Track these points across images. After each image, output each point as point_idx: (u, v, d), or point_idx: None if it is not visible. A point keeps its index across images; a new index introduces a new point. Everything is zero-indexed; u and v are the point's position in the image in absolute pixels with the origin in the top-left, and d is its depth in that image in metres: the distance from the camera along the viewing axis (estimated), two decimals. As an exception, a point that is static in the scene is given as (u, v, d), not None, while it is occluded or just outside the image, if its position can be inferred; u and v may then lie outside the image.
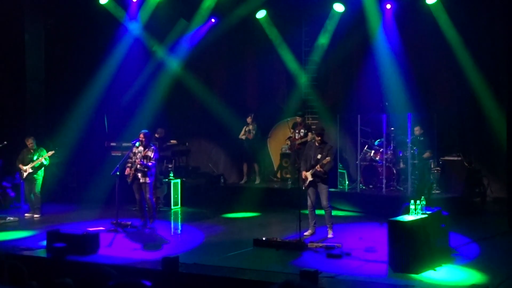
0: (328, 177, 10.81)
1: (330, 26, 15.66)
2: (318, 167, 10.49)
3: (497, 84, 13.96)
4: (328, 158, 10.48)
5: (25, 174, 13.18)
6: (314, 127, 16.03)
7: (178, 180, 14.96)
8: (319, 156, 10.56)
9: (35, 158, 13.20)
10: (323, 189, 10.69)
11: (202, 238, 11.15)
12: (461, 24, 14.30)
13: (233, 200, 14.65)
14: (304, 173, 10.68)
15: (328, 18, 15.63)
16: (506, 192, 12.60)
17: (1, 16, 15.78)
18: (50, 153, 13.31)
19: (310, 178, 10.61)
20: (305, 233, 10.69)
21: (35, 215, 13.21)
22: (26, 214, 13.36)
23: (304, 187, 10.74)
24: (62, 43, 16.78)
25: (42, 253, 9.57)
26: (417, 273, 8.26)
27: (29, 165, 13.14)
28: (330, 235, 10.72)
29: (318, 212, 10.94)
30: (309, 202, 10.75)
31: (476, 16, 14.60)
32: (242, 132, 15.93)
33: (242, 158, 16.28)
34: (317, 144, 10.75)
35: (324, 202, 10.72)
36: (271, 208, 13.99)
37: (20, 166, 13.24)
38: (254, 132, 15.85)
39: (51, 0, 16.58)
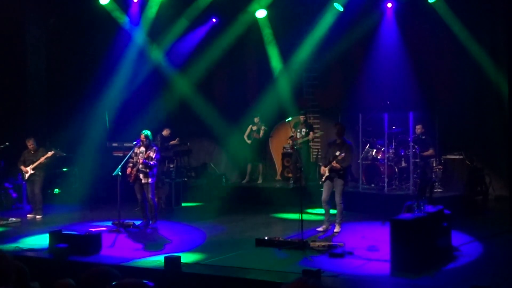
0: (345, 173, 11.15)
1: (330, 24, 15.68)
2: (334, 163, 10.88)
3: (498, 82, 13.95)
4: (342, 154, 10.84)
5: (27, 175, 13.19)
6: (316, 126, 16.14)
7: (180, 180, 14.96)
8: (337, 153, 10.96)
9: (35, 158, 13.20)
10: (338, 184, 11.03)
11: (204, 237, 11.15)
12: (462, 23, 14.30)
13: (235, 200, 14.66)
14: (322, 168, 11.15)
15: (329, 16, 15.64)
16: (508, 191, 12.58)
17: (2, 17, 15.77)
18: (50, 153, 13.30)
19: (327, 173, 11.01)
20: (319, 229, 11.04)
21: (37, 216, 13.21)
22: (28, 215, 13.36)
23: (321, 181, 11.18)
24: (63, 43, 16.76)
25: (44, 253, 9.57)
26: (419, 272, 8.25)
27: (30, 166, 13.14)
28: (336, 229, 11.04)
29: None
30: (323, 197, 11.13)
31: (477, 15, 14.60)
32: (248, 131, 15.92)
33: (247, 158, 16.26)
34: (337, 141, 11.14)
35: (337, 197, 11.05)
36: (272, 208, 13.98)
37: (22, 167, 13.25)
38: (263, 131, 15.85)
39: (52, 1, 16.58)
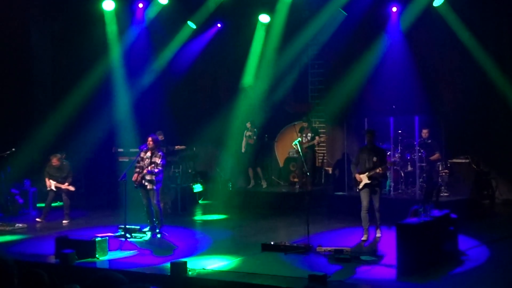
0: (382, 179, 11.15)
1: (335, 29, 15.69)
2: (379, 170, 10.68)
3: (504, 86, 13.93)
4: (388, 163, 10.93)
5: (48, 188, 13.25)
6: (321, 131, 16.12)
7: (186, 185, 14.96)
8: (374, 159, 10.75)
9: (59, 174, 13.23)
10: (378, 191, 10.86)
11: (210, 242, 11.15)
12: (467, 26, 14.29)
13: (241, 204, 14.67)
14: (358, 176, 10.84)
15: (334, 21, 15.64)
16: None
17: (7, 24, 15.86)
18: (69, 187, 13.33)
19: (367, 181, 10.75)
20: (362, 238, 10.78)
21: (64, 221, 13.24)
22: (37, 219, 13.37)
23: (358, 189, 10.90)
24: (68, 49, 16.82)
25: (50, 259, 9.59)
26: (426, 276, 8.22)
27: (55, 184, 13.20)
28: (378, 234, 10.92)
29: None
30: (363, 204, 10.84)
31: (483, 19, 14.58)
32: (244, 141, 15.89)
33: (246, 163, 16.26)
34: (369, 147, 10.95)
35: (377, 203, 10.83)
36: (278, 212, 13.97)
37: (46, 179, 13.28)
38: (254, 137, 15.82)
39: (56, 6, 16.64)
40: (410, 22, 15.08)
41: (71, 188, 13.30)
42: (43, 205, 14.65)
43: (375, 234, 11.00)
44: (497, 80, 14.12)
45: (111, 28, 16.31)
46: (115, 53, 16.50)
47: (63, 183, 13.24)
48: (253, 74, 17.01)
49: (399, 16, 15.26)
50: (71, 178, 13.34)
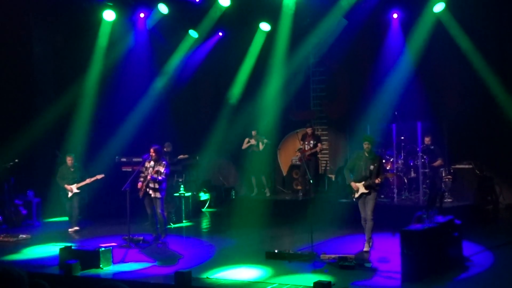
0: (379, 188, 10.73)
1: (337, 36, 15.72)
2: (378, 180, 10.28)
3: (507, 91, 13.94)
4: (389, 173, 10.76)
5: (70, 194, 13.27)
6: (324, 138, 16.11)
7: (189, 194, 14.98)
8: (371, 167, 10.37)
9: (78, 176, 13.33)
10: (371, 198, 10.42)
11: (214, 251, 11.15)
12: (469, 32, 14.31)
13: (245, 213, 14.65)
14: (355, 184, 10.48)
15: (336, 28, 15.68)
16: (519, 199, 12.55)
17: (9, 35, 15.90)
18: (99, 176, 13.38)
19: (364, 190, 10.43)
20: (365, 249, 10.50)
21: (70, 229, 13.32)
22: (75, 228, 13.39)
23: (355, 198, 10.58)
24: (70, 60, 16.84)
25: (55, 269, 9.59)
26: (430, 282, 8.21)
27: (75, 185, 13.28)
28: (366, 248, 10.50)
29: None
30: (363, 215, 10.58)
31: (484, 24, 14.59)
32: (245, 145, 15.88)
33: (250, 171, 16.26)
34: (366, 154, 10.51)
35: (368, 212, 10.43)
36: (282, 220, 13.95)
37: (66, 186, 13.33)
38: (265, 144, 15.80)
39: (59, 16, 16.68)
40: (411, 29, 15.11)
41: (100, 176, 13.39)
42: (51, 219, 14.75)
43: (363, 247, 10.59)
44: (499, 86, 14.12)
45: (103, 39, 16.31)
46: (97, 66, 16.50)
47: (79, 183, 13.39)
48: (242, 86, 17.06)
49: (400, 22, 15.29)
50: (88, 177, 13.44)
